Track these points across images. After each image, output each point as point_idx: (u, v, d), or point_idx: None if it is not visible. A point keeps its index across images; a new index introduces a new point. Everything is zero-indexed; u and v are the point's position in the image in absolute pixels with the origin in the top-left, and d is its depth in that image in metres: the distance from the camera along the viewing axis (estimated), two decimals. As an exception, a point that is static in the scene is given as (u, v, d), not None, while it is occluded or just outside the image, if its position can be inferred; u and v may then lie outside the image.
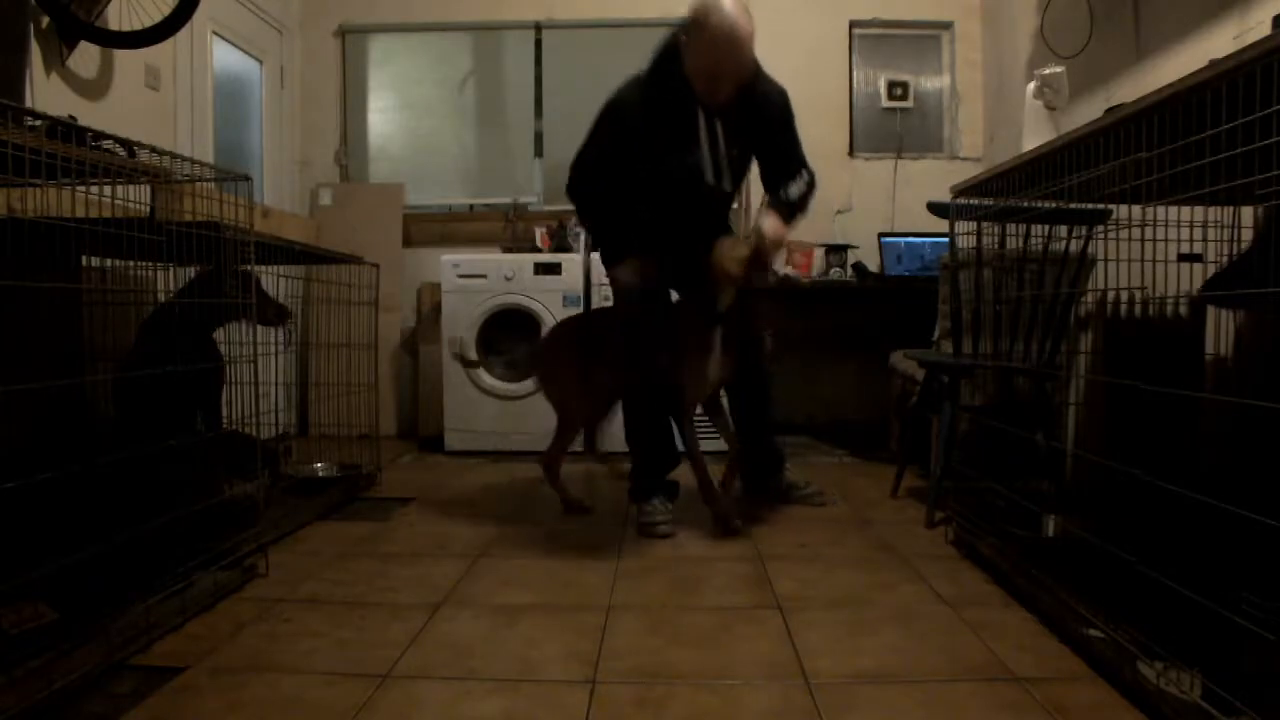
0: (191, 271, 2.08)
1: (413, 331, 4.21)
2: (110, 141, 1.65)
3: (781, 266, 3.93)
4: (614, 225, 2.44)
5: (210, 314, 2.07)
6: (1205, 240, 1.84)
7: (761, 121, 2.32)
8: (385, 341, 3.90)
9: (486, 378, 3.68)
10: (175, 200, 1.82)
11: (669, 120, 2.26)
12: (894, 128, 4.30)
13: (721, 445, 3.14)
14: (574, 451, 2.72)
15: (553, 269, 3.67)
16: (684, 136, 2.26)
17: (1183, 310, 2.06)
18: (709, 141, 2.27)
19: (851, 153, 4.27)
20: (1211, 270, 1.78)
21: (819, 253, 4.00)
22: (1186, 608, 1.22)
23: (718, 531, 2.35)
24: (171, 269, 2.02)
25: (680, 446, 2.47)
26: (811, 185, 2.39)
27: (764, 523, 2.47)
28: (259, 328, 2.13)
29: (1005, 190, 1.98)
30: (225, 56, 3.72)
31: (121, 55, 2.89)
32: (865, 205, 4.22)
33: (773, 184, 2.39)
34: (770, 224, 2.23)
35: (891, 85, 4.28)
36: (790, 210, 2.32)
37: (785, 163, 2.38)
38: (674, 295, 2.54)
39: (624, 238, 2.42)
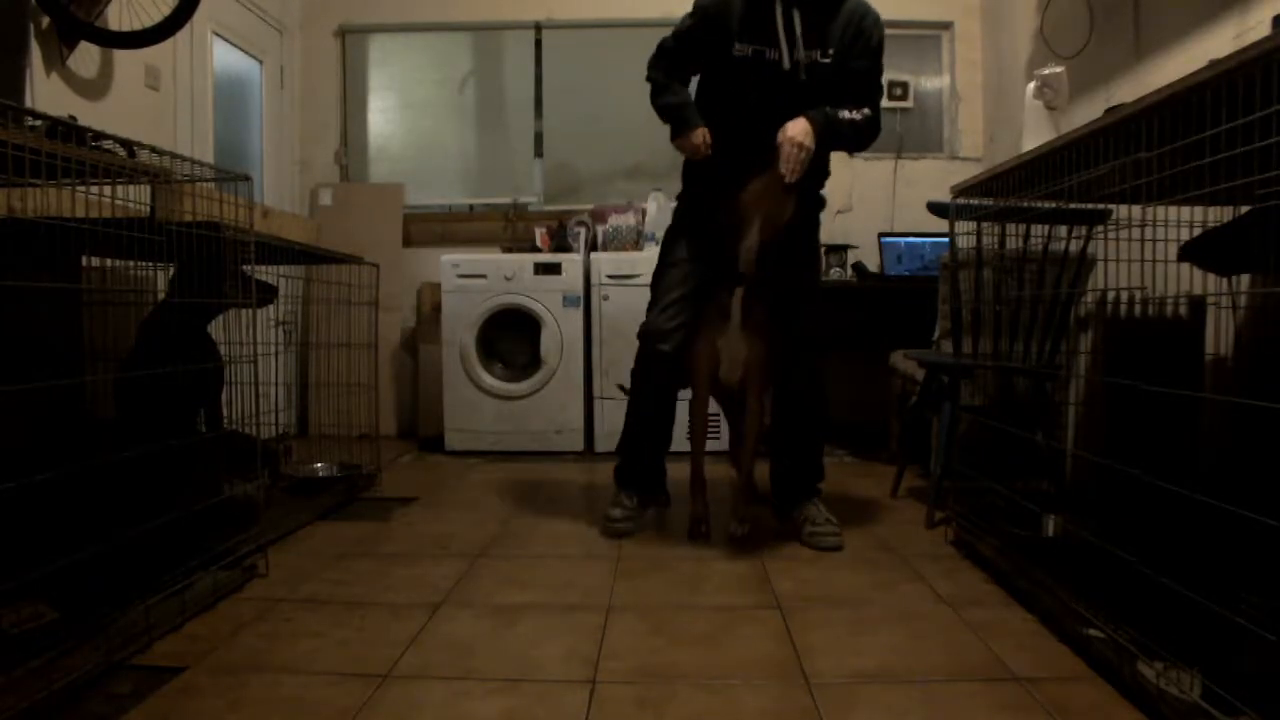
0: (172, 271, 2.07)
1: (413, 331, 4.21)
2: (110, 141, 1.65)
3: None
4: (675, 103, 2.29)
5: (203, 308, 2.07)
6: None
7: (846, 37, 2.19)
8: (385, 341, 3.91)
9: (487, 377, 3.69)
10: (175, 200, 1.81)
11: (739, 6, 2.19)
12: (894, 128, 4.30)
13: (721, 445, 3.13)
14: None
15: (553, 269, 3.68)
16: (758, 21, 2.17)
17: (1183, 310, 2.06)
18: (785, 29, 2.15)
19: (851, 153, 4.26)
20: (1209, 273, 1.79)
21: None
22: (1186, 608, 1.22)
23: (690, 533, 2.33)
24: (171, 269, 2.02)
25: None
26: (871, 125, 2.23)
27: (763, 524, 2.47)
28: (258, 328, 2.12)
29: (1005, 190, 1.98)
30: (225, 56, 3.72)
31: (121, 55, 2.89)
32: (865, 205, 4.22)
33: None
34: (793, 123, 2.09)
35: (891, 85, 4.27)
36: (828, 124, 2.13)
37: (854, 89, 2.20)
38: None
39: (683, 115, 2.26)
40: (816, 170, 2.26)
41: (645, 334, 2.36)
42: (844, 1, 2.20)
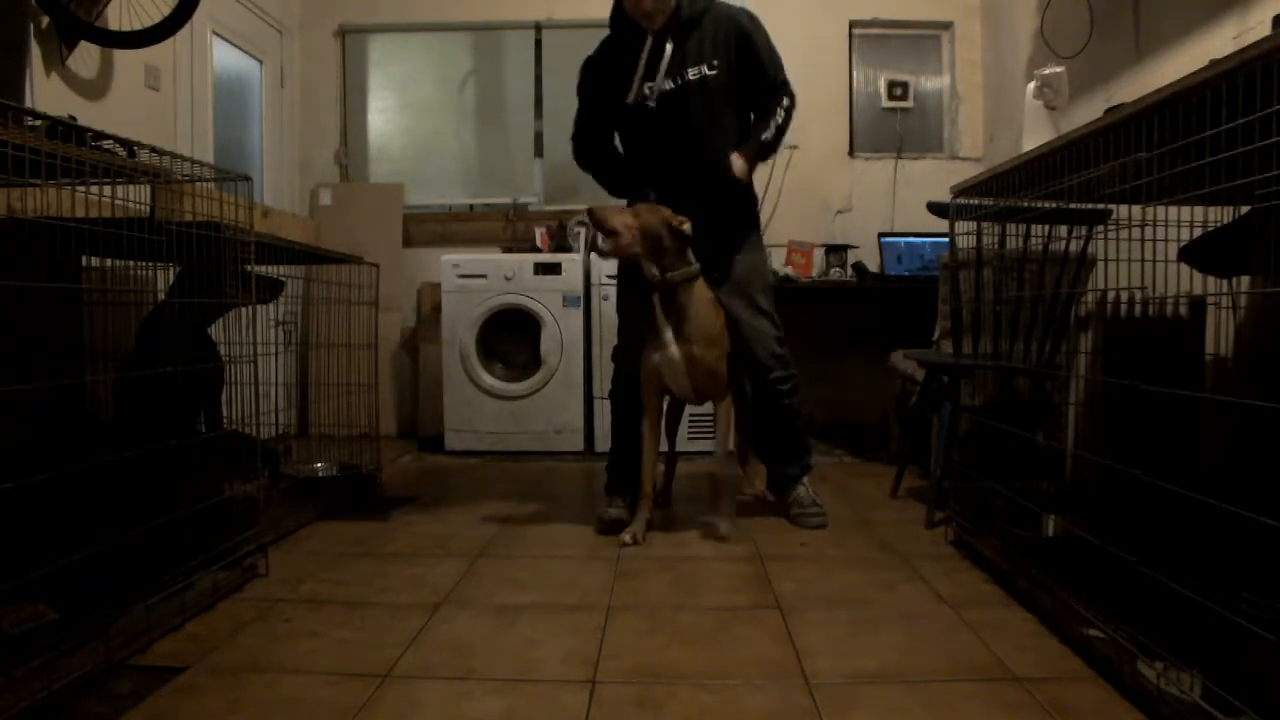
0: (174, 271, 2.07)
1: (413, 331, 4.21)
2: (110, 141, 1.65)
3: (782, 267, 3.94)
4: (613, 173, 2.50)
5: (204, 309, 2.06)
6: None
7: (720, 43, 2.32)
8: (385, 341, 3.91)
9: (487, 377, 3.69)
10: (175, 200, 1.81)
11: (620, 54, 2.37)
12: (894, 128, 4.30)
13: (706, 446, 3.15)
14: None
15: (553, 269, 3.68)
16: (631, 66, 2.33)
17: (1183, 310, 2.06)
18: (648, 65, 2.31)
19: (851, 153, 4.27)
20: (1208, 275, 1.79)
21: (819, 253, 4.01)
22: (1186, 608, 1.22)
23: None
24: (171, 269, 2.02)
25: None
26: (789, 110, 2.35)
27: (764, 523, 2.47)
28: (258, 327, 2.12)
29: (1005, 190, 1.98)
30: (225, 56, 3.72)
31: (121, 55, 2.89)
32: (865, 205, 4.22)
33: (755, 109, 2.40)
34: (732, 159, 2.29)
35: (891, 85, 4.28)
36: (759, 148, 2.33)
37: (757, 84, 2.36)
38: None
39: (622, 181, 2.49)
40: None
41: (614, 358, 2.56)
42: (707, 12, 2.35)
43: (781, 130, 2.35)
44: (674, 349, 2.23)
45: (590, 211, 2.22)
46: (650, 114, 2.32)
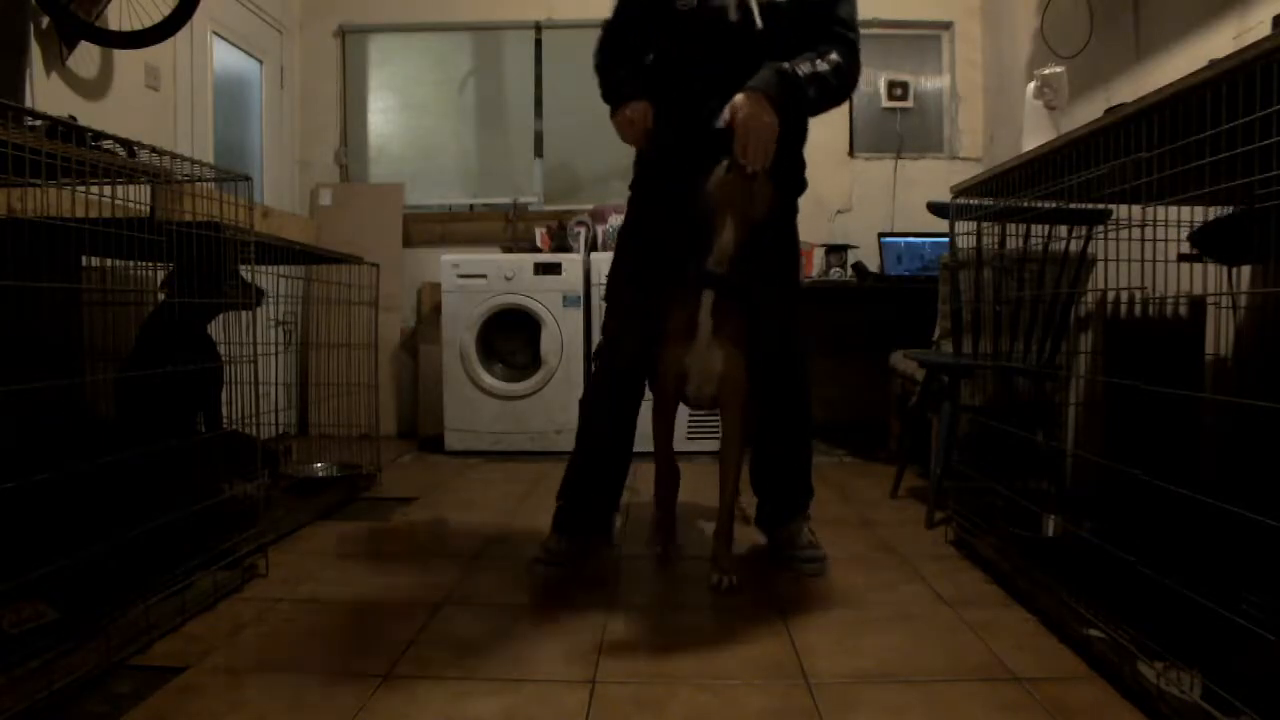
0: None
1: (413, 331, 4.21)
2: (110, 141, 1.65)
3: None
4: (628, 79, 1.97)
5: (199, 310, 2.06)
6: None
7: None
8: (385, 341, 3.90)
9: (487, 377, 3.69)
10: (175, 200, 1.81)
11: None
12: (894, 128, 4.30)
13: (712, 445, 3.12)
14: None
15: (553, 269, 3.67)
16: None
17: (1183, 310, 2.06)
18: None
19: (851, 153, 4.27)
20: (1210, 268, 1.79)
21: (819, 253, 4.00)
22: (1186, 608, 1.22)
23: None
24: (171, 269, 2.02)
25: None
26: (841, 72, 1.86)
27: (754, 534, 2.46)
28: (258, 328, 2.12)
29: (1005, 190, 1.98)
30: (225, 56, 3.72)
31: (121, 55, 2.89)
32: (865, 205, 4.22)
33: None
34: (739, 100, 1.73)
35: (891, 85, 4.28)
36: (784, 87, 1.76)
37: (813, 24, 1.89)
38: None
39: (617, 89, 1.97)
40: (791, 145, 1.93)
41: (601, 350, 2.09)
42: None
43: (822, 82, 1.82)
44: (715, 350, 1.87)
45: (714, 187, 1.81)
46: (728, 28, 1.84)
